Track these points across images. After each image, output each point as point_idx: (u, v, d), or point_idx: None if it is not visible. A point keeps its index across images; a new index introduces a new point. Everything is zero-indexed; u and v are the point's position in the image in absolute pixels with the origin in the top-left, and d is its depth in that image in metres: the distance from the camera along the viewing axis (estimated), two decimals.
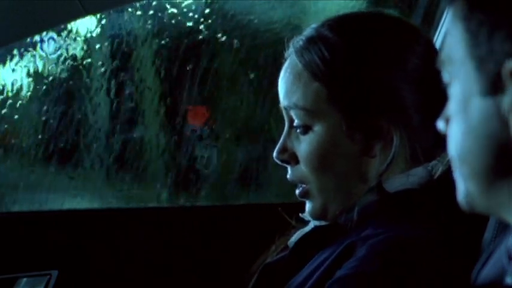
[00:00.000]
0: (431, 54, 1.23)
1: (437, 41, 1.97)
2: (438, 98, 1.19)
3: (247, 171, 2.27)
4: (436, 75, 1.21)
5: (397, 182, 1.19)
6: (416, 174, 1.20)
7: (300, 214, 1.29)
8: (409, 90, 1.17)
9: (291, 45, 1.24)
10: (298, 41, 1.23)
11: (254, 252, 1.34)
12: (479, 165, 0.68)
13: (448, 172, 1.20)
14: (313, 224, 1.27)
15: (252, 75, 2.21)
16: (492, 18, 0.65)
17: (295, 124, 1.22)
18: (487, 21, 0.65)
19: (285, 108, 1.23)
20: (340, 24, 1.22)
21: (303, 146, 1.21)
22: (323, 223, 1.25)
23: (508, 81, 0.63)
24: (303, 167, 1.21)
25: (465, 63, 0.67)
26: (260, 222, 1.37)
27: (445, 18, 1.96)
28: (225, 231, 1.91)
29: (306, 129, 1.20)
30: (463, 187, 0.71)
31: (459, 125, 0.69)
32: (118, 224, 1.87)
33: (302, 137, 1.21)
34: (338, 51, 1.18)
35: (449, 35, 0.68)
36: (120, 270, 1.83)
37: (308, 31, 1.23)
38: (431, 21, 2.05)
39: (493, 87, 0.65)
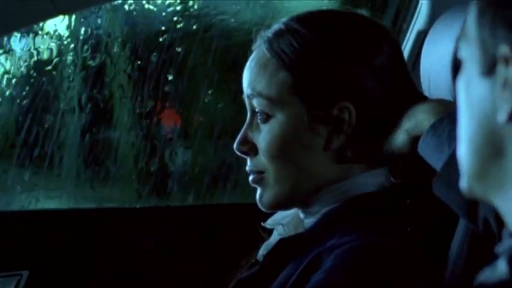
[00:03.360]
0: (398, 55, 1.25)
1: (408, 41, 1.98)
2: (401, 97, 1.21)
3: (221, 172, 2.27)
4: (400, 75, 1.23)
5: (357, 184, 1.19)
6: (377, 176, 1.20)
7: (262, 224, 1.29)
8: (374, 87, 1.18)
9: (259, 37, 1.24)
10: (267, 33, 1.23)
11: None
12: (473, 145, 0.69)
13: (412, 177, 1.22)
14: (277, 233, 1.27)
15: (225, 75, 2.21)
16: (496, 0, 0.66)
17: (256, 110, 1.22)
18: (493, 4, 0.66)
19: (248, 97, 1.23)
20: (310, 19, 1.22)
21: (263, 134, 1.21)
22: (285, 234, 1.24)
23: (500, 65, 0.65)
24: (261, 156, 1.21)
25: (473, 42, 0.68)
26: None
27: (415, 19, 1.97)
28: (216, 231, 1.91)
29: (267, 117, 1.20)
30: (463, 169, 0.72)
31: (462, 102, 0.71)
32: (89, 224, 1.87)
33: (262, 126, 1.21)
34: (308, 42, 1.19)
35: (469, 12, 0.70)
36: (92, 270, 1.83)
37: (277, 24, 1.23)
38: (402, 21, 2.06)
39: (489, 69, 0.66)
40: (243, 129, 1.25)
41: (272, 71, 1.20)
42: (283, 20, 1.24)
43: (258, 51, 1.23)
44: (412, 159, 1.18)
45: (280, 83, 1.19)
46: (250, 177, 1.24)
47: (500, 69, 0.65)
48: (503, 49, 0.64)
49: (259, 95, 1.21)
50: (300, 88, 1.18)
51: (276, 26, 1.23)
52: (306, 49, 1.18)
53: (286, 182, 1.20)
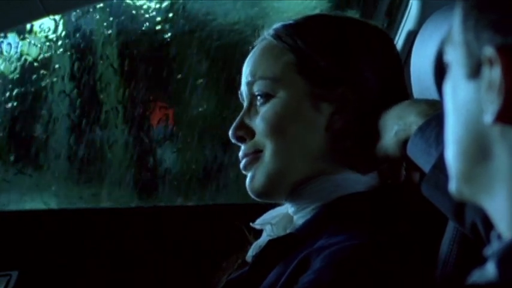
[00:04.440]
0: (393, 52, 1.29)
1: (398, 41, 1.98)
2: (394, 95, 1.22)
3: (210, 172, 2.27)
4: (392, 72, 1.25)
5: (348, 181, 1.20)
6: (367, 176, 1.21)
7: (251, 224, 1.29)
8: (372, 81, 1.21)
9: (262, 32, 1.27)
10: (271, 27, 1.26)
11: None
12: (461, 148, 0.69)
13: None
14: (266, 234, 1.26)
15: (215, 75, 2.21)
16: (480, 3, 0.66)
17: (257, 94, 1.22)
18: (476, 6, 0.67)
19: (248, 84, 1.24)
20: (317, 16, 1.28)
21: (263, 112, 1.21)
22: (274, 234, 1.24)
23: (485, 67, 0.65)
24: (259, 135, 1.21)
25: (458, 46, 0.69)
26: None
27: (405, 19, 1.98)
28: (207, 231, 1.91)
29: (268, 98, 1.21)
30: (452, 172, 0.72)
31: (449, 105, 0.71)
32: (79, 224, 1.86)
33: (262, 108, 1.22)
34: (314, 31, 1.22)
35: (455, 16, 0.70)
36: (82, 270, 1.83)
37: (283, 22, 1.27)
38: (392, 21, 2.07)
39: (475, 72, 0.67)
40: (239, 116, 1.25)
41: (277, 54, 1.22)
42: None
43: (262, 42, 1.26)
44: (401, 161, 1.19)
45: (284, 63, 1.21)
46: (243, 162, 1.23)
47: (485, 71, 0.65)
48: (487, 51, 0.64)
49: (261, 77, 1.22)
50: (305, 67, 1.20)
51: (281, 22, 1.26)
52: (312, 36, 1.22)
53: (282, 159, 1.20)
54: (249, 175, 1.23)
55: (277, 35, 1.23)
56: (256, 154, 1.22)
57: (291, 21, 1.25)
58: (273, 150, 1.20)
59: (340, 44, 1.21)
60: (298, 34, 1.22)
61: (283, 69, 1.21)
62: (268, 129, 1.20)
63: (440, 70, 1.20)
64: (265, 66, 1.22)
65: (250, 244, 1.29)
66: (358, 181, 1.20)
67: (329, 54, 1.20)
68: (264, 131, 1.20)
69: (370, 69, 1.21)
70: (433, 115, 1.08)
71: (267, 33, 1.25)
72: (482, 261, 0.66)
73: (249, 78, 1.24)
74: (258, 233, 1.30)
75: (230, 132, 1.24)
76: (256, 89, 1.22)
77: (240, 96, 1.28)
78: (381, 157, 1.17)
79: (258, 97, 1.22)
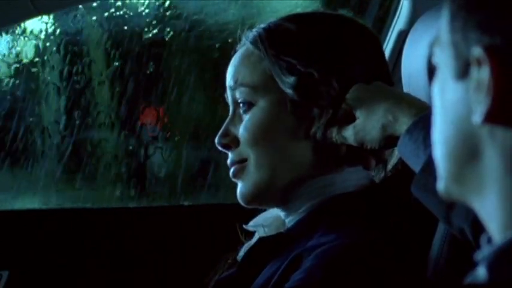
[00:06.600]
0: (378, 54, 1.28)
1: (389, 41, 1.99)
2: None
3: (201, 171, 2.27)
4: (377, 75, 1.24)
5: (337, 180, 1.20)
6: (357, 174, 1.21)
7: (244, 226, 1.29)
8: (355, 78, 1.19)
9: (243, 37, 1.26)
10: (251, 31, 1.25)
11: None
12: (449, 148, 0.69)
13: (393, 176, 1.23)
14: (258, 235, 1.27)
15: (206, 76, 2.21)
16: (468, 3, 0.66)
17: (239, 101, 1.22)
18: (464, 7, 0.67)
19: (231, 89, 1.24)
20: (294, 16, 1.26)
21: (245, 122, 1.21)
22: (267, 233, 1.24)
23: (473, 68, 0.65)
24: (243, 144, 1.21)
25: (446, 47, 0.69)
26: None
27: (397, 19, 1.98)
28: (200, 231, 1.91)
29: (249, 106, 1.21)
30: (440, 172, 0.72)
31: (437, 106, 0.71)
32: (69, 224, 1.86)
33: (244, 116, 1.22)
34: (290, 33, 1.21)
35: (442, 17, 0.70)
36: (72, 269, 1.82)
37: (261, 25, 1.26)
38: (383, 21, 2.07)
39: (463, 72, 0.67)
40: (224, 123, 1.25)
41: (255, 61, 1.22)
42: (267, 22, 1.26)
43: (242, 47, 1.26)
44: (384, 157, 1.19)
45: (263, 71, 1.21)
46: (231, 171, 1.24)
47: (474, 71, 0.65)
48: (475, 52, 0.64)
49: (242, 84, 1.22)
50: (281, 75, 1.19)
51: (260, 25, 1.26)
52: (288, 39, 1.21)
53: (266, 169, 1.20)
54: (239, 185, 1.24)
55: (253, 40, 1.23)
56: (242, 163, 1.22)
57: (265, 24, 1.25)
58: (256, 161, 1.20)
59: (318, 46, 1.20)
60: (274, 36, 1.22)
61: (261, 77, 1.21)
62: (250, 140, 1.21)
63: (431, 70, 1.20)
64: (245, 74, 1.22)
65: (243, 244, 1.29)
66: (347, 180, 1.20)
67: (305, 59, 1.19)
68: (246, 141, 1.21)
69: (351, 70, 1.20)
70: (420, 116, 1.08)
71: (246, 39, 1.25)
72: (473, 263, 0.66)
73: (231, 84, 1.24)
74: (252, 234, 1.30)
75: (216, 140, 1.25)
76: (238, 95, 1.23)
77: (226, 98, 1.28)
78: (356, 142, 1.16)
79: (241, 104, 1.23)
